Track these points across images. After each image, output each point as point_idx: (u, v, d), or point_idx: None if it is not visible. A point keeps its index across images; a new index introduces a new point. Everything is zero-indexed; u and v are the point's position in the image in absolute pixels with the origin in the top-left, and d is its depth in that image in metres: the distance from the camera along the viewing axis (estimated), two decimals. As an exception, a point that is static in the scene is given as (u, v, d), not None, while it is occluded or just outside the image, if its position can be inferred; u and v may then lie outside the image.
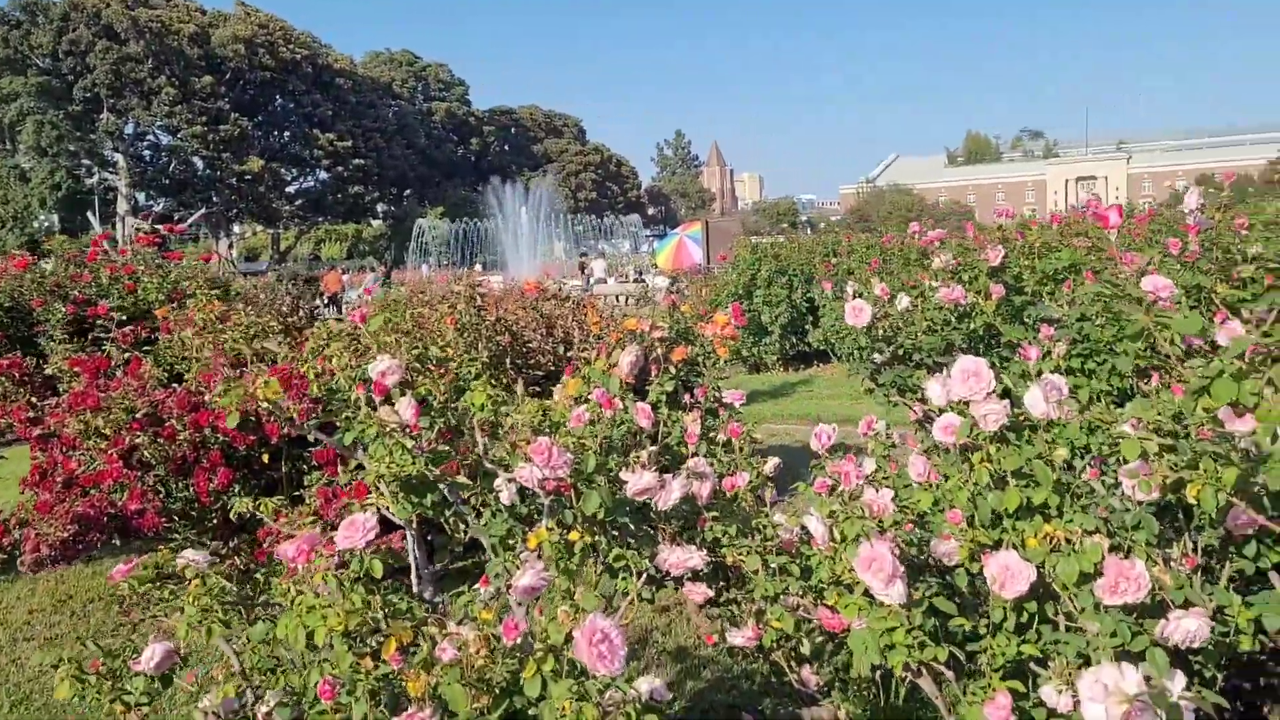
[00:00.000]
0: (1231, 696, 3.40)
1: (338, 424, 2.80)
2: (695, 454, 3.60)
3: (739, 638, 3.06)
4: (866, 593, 2.63)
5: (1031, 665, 2.64)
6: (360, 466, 2.87)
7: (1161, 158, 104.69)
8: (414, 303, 6.15)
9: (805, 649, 3.18)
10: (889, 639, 2.56)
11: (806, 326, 14.67)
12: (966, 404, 2.74)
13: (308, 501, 4.81)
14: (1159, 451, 2.35)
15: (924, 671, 2.75)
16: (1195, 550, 2.72)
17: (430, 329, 5.67)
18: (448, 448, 3.09)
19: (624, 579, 2.78)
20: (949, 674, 2.68)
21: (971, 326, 4.44)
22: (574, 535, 2.73)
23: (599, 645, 1.99)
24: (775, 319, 14.16)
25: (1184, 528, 2.78)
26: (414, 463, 2.58)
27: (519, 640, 2.20)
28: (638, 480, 2.69)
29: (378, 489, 2.71)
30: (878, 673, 3.28)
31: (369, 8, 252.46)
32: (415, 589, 2.97)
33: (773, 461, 4.36)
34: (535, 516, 3.06)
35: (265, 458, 5.00)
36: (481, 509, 3.01)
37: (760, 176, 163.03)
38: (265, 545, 4.78)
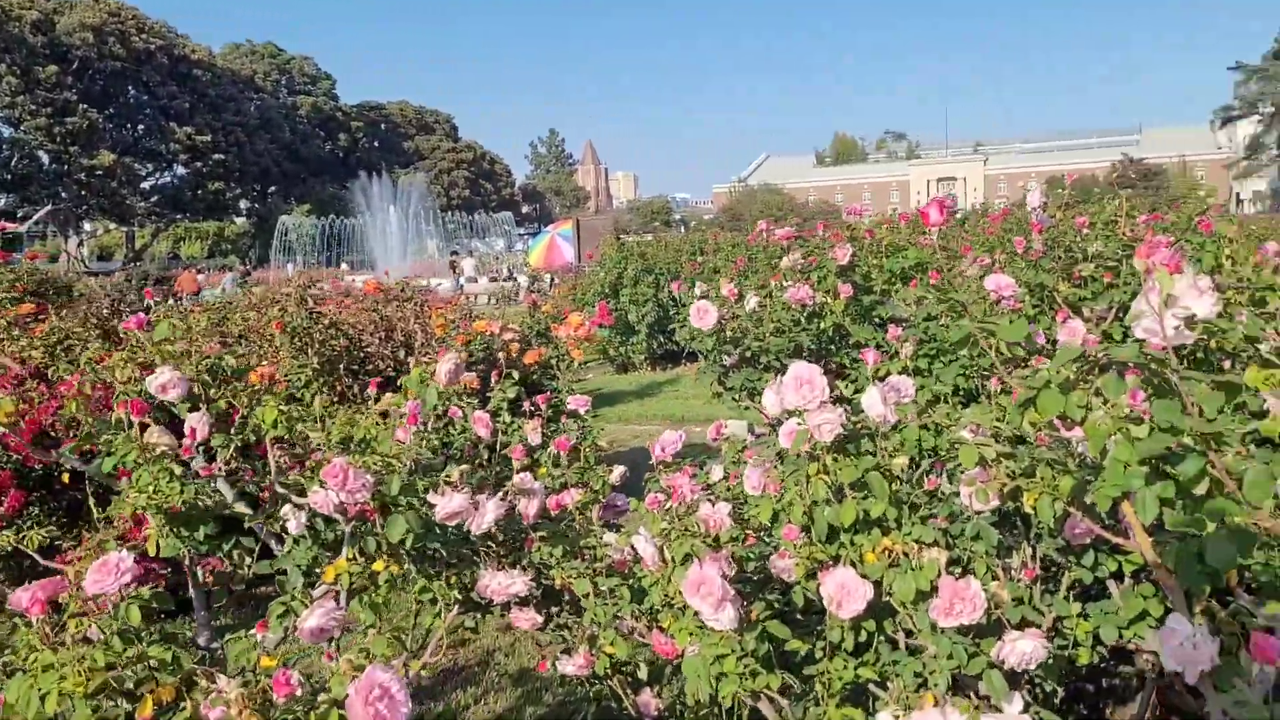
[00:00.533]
0: (1074, 700, 3.35)
1: (100, 448, 2.47)
2: (524, 468, 3.36)
3: (570, 666, 2.85)
4: (698, 616, 2.45)
5: (871, 687, 2.51)
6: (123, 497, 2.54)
7: (1016, 159, 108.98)
8: (244, 306, 5.73)
9: (642, 674, 2.99)
10: (719, 667, 2.39)
11: (673, 325, 14.58)
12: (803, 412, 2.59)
13: (115, 525, 4.39)
14: (997, 458, 2.22)
15: (762, 696, 2.58)
16: (1035, 560, 2.63)
17: (260, 334, 5.29)
18: (250, 468, 2.79)
19: (434, 613, 2.53)
20: (784, 701, 2.52)
21: (821, 327, 4.33)
22: (378, 565, 2.47)
23: (376, 703, 1.73)
24: (642, 318, 14.03)
25: (1024, 536, 2.68)
26: (181, 492, 2.27)
27: (297, 694, 1.92)
28: (447, 503, 2.44)
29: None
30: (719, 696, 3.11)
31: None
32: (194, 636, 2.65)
33: (618, 470, 4.14)
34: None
35: (66, 477, 4.53)
36: (285, 536, 2.71)
37: (635, 175, 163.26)
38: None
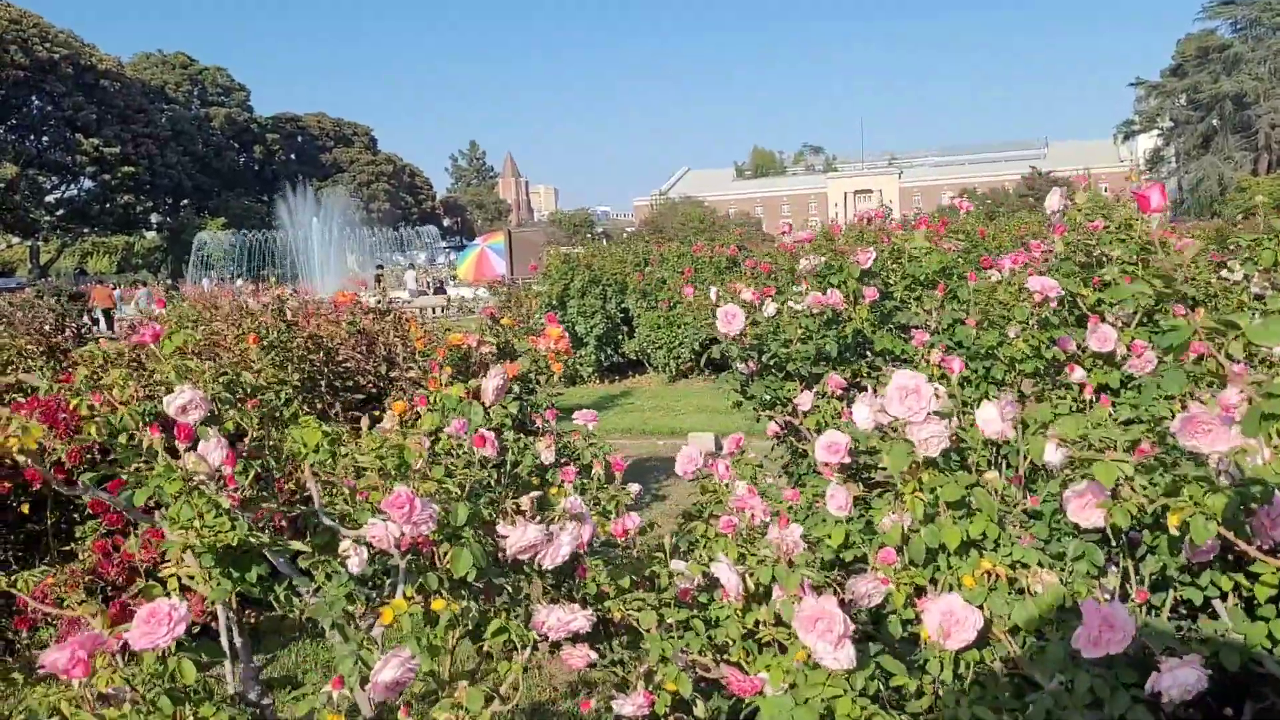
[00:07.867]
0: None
1: (124, 477, 2.15)
2: (534, 489, 3.11)
3: (628, 706, 2.59)
4: (782, 649, 2.24)
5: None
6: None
7: (929, 173, 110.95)
8: (205, 318, 5.34)
9: (700, 712, 2.75)
10: (831, 709, 2.16)
11: (620, 337, 14.37)
12: (895, 426, 2.39)
13: (81, 558, 4.02)
14: (1132, 475, 2.05)
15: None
16: (1143, 582, 2.47)
17: (227, 348, 4.93)
18: (267, 498, 2.49)
19: (504, 661, 2.27)
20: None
21: (843, 333, 4.16)
22: (438, 604, 2.20)
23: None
24: (591, 330, 13.78)
25: (1125, 555, 2.52)
26: (234, 528, 1.97)
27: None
28: (520, 535, 2.19)
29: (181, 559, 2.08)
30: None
31: (137, 6, 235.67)
32: (236, 688, 2.33)
33: (634, 488, 3.93)
34: (380, 580, 2.49)
35: (25, 507, 4.14)
36: (317, 575, 2.40)
37: (555, 189, 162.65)
38: (28, 613, 3.93)
